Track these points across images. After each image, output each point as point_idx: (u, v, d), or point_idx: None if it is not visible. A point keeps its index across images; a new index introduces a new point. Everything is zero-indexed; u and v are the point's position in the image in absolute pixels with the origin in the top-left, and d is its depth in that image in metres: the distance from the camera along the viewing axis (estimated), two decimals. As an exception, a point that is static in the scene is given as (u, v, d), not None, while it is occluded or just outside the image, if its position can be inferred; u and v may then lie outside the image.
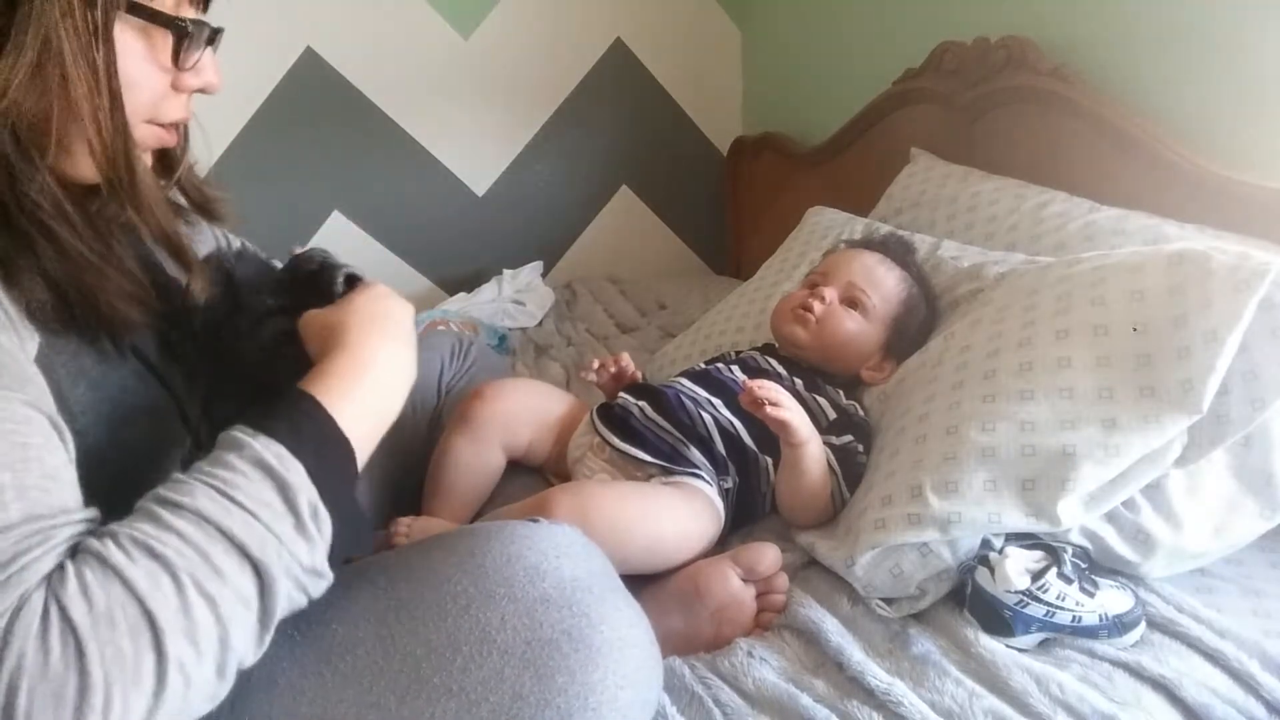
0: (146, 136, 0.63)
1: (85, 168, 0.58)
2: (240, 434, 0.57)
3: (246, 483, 0.54)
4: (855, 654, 0.83)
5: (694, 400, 1.08)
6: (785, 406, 0.97)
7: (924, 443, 0.98)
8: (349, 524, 0.59)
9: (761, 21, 2.22)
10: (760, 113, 2.29)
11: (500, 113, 2.12)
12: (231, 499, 0.53)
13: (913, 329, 1.20)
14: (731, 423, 1.07)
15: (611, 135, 2.24)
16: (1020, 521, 0.89)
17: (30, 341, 0.57)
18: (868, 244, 1.30)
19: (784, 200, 2.07)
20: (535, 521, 0.70)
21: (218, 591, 0.51)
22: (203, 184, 0.75)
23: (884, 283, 1.19)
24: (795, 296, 1.22)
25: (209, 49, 0.64)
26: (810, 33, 2.05)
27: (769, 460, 1.06)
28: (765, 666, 0.83)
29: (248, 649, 0.53)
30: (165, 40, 0.60)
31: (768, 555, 0.92)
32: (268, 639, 0.54)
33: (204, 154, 0.75)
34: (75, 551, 0.50)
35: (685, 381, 1.13)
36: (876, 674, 0.80)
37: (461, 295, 2.06)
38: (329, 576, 0.58)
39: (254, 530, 0.53)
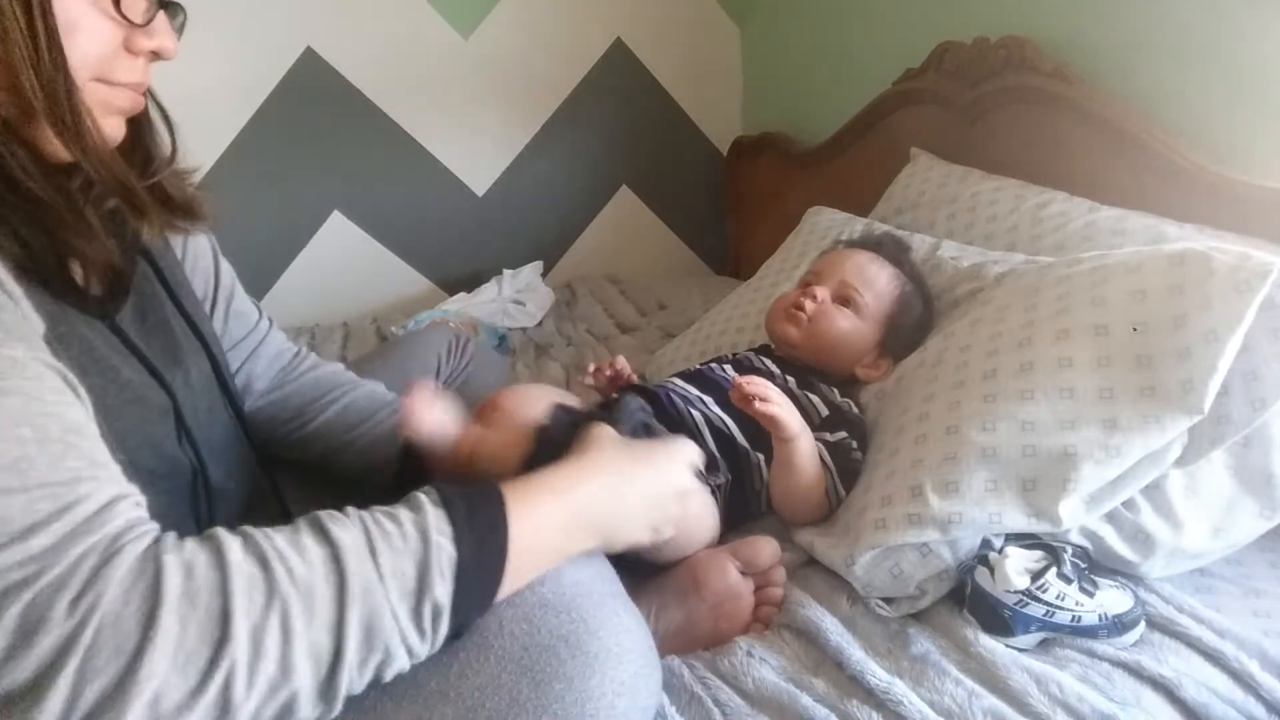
0: (102, 94, 0.60)
1: (43, 138, 0.56)
2: (425, 497, 0.58)
3: (400, 544, 0.54)
4: (855, 653, 0.83)
5: (684, 398, 1.08)
6: (774, 401, 0.97)
7: (924, 442, 0.97)
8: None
9: (761, 21, 2.22)
10: (760, 113, 2.29)
11: (500, 113, 2.12)
12: (373, 555, 0.53)
13: (908, 327, 1.20)
14: (722, 419, 1.06)
15: (611, 135, 2.24)
16: (1021, 522, 0.89)
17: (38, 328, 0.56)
18: (862, 243, 1.30)
19: (784, 200, 2.06)
20: None
21: (301, 630, 0.49)
22: (184, 180, 0.73)
23: (876, 280, 1.19)
24: (788, 296, 1.22)
25: (163, 13, 0.62)
26: (810, 32, 2.05)
27: (760, 457, 1.05)
28: (765, 666, 0.83)
29: (302, 710, 0.50)
30: None
31: (766, 549, 0.92)
32: (326, 711, 0.52)
33: (197, 153, 0.74)
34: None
35: (677, 380, 1.13)
36: (876, 674, 0.80)
37: (461, 295, 2.06)
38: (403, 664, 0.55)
39: (372, 597, 0.52)
